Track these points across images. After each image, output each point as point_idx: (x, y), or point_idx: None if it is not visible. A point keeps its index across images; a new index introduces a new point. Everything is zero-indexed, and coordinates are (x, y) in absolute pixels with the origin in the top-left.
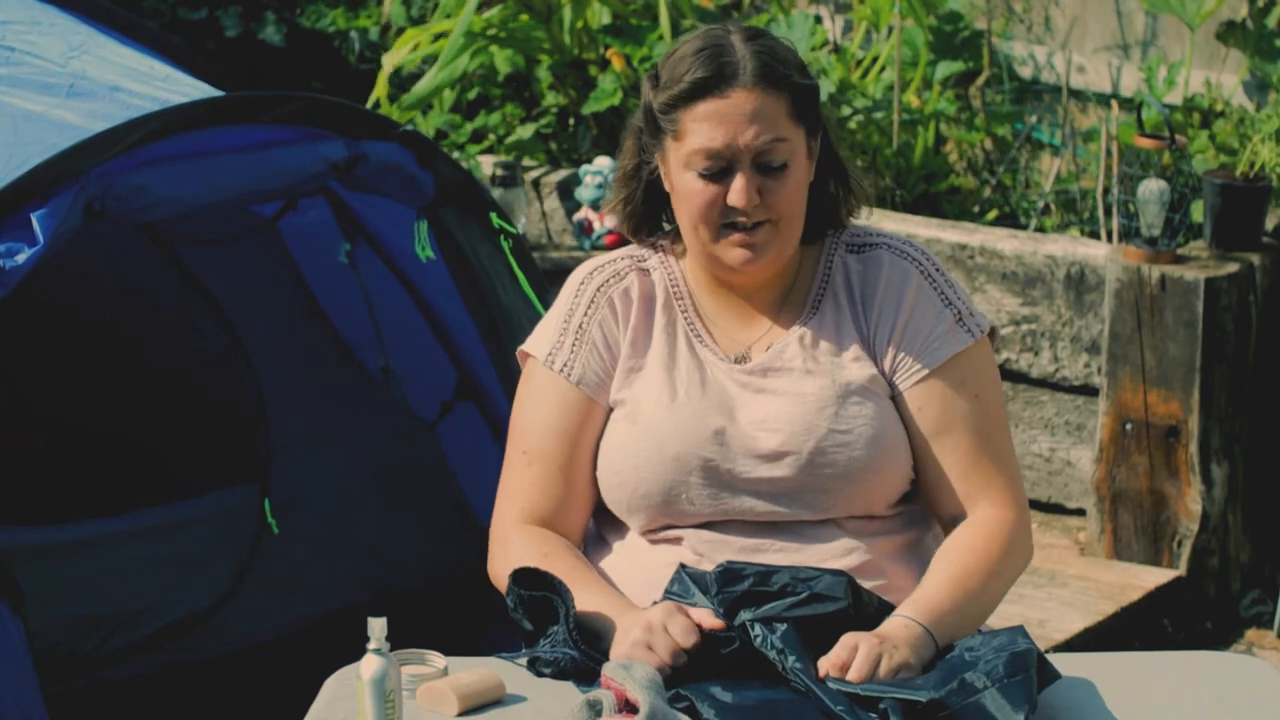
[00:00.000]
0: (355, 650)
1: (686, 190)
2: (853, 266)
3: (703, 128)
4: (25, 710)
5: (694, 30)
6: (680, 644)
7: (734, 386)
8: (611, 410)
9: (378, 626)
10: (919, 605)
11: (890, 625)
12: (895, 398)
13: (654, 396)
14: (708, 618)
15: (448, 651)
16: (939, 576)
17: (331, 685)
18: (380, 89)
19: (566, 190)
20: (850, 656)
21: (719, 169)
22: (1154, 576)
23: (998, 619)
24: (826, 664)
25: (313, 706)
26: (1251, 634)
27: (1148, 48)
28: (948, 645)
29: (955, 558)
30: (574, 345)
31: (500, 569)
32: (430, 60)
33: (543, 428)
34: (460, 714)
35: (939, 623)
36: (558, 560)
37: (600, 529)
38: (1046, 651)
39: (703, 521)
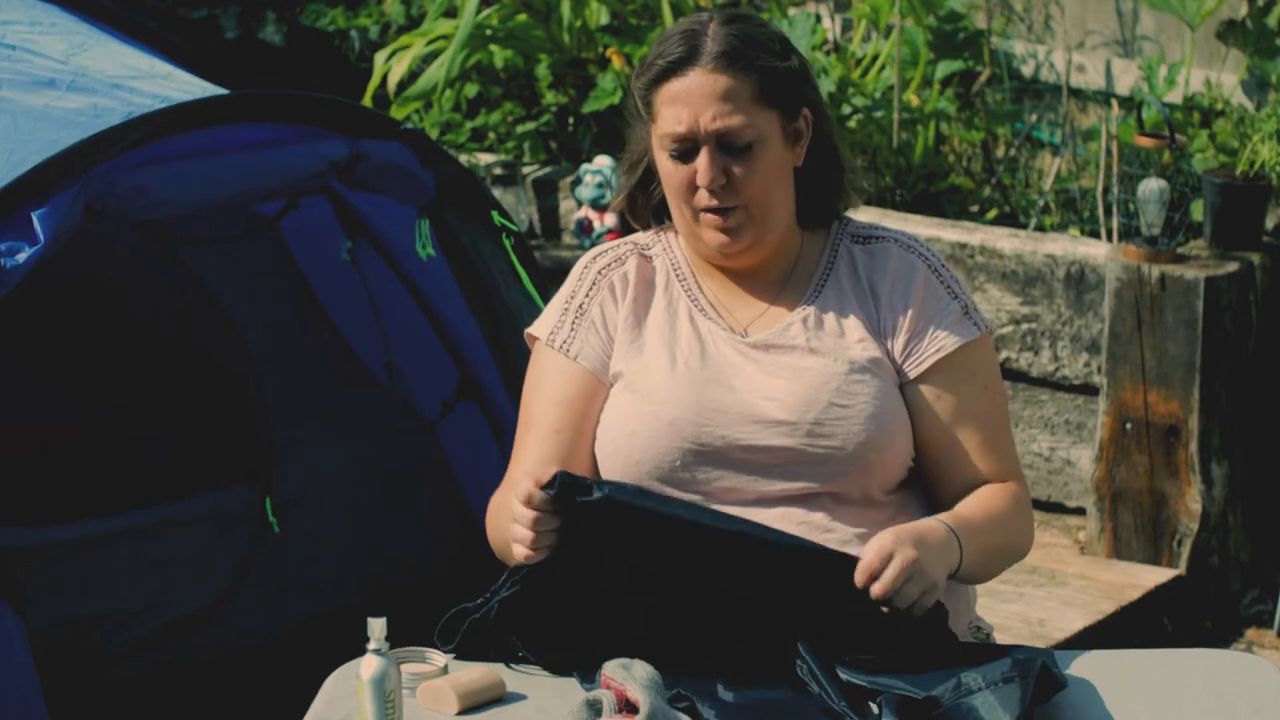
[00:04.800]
0: (355, 650)
1: (664, 172)
2: (859, 256)
3: (668, 111)
4: (25, 710)
5: None
6: (525, 508)
7: (737, 357)
8: (612, 386)
9: (378, 626)
10: (951, 514)
11: (922, 522)
12: (904, 385)
13: (653, 366)
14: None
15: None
16: (970, 502)
17: (331, 685)
18: (374, 87)
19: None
20: (881, 566)
21: (687, 149)
22: (1154, 576)
23: (998, 620)
24: (861, 574)
25: (313, 706)
26: (1251, 633)
27: (1148, 47)
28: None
29: (983, 496)
30: (574, 324)
31: (495, 535)
32: (429, 60)
33: (544, 398)
34: (460, 713)
35: (966, 529)
36: None
37: None
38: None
39: (697, 496)
